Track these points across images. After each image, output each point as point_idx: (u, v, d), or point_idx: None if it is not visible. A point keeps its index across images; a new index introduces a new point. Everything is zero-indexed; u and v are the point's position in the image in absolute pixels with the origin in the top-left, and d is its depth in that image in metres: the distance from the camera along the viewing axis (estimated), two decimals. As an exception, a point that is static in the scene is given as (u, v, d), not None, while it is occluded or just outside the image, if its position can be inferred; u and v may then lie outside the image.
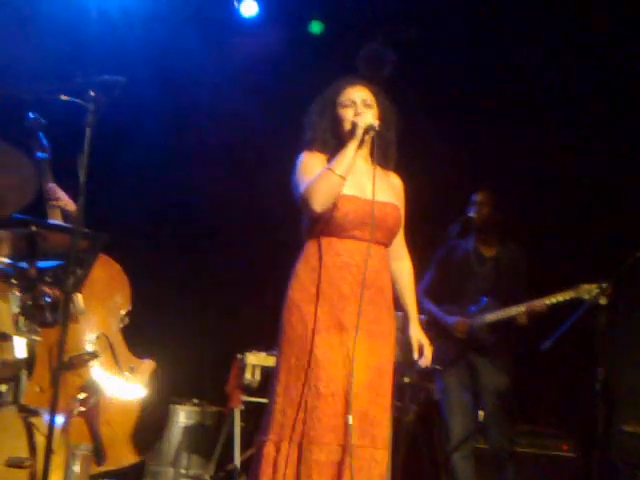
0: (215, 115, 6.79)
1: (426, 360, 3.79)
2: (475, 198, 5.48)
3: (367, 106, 3.68)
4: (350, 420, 3.37)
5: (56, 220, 4.82)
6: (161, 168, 6.84)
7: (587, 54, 6.24)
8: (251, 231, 6.74)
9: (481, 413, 5.45)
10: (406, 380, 5.39)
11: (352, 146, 3.56)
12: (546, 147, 6.39)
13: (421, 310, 5.36)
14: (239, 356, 5.94)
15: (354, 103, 3.69)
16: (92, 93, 3.34)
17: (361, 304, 3.48)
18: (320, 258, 3.57)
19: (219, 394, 6.17)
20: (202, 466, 6.54)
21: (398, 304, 3.84)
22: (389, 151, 3.76)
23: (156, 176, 6.81)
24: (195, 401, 6.72)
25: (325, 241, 3.59)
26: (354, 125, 3.60)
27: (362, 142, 3.60)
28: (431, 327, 5.44)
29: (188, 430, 6.60)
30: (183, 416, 6.59)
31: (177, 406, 6.59)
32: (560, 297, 5.09)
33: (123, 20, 6.41)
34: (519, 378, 5.44)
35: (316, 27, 7.01)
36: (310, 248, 3.63)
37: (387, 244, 3.70)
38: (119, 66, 3.93)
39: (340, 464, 3.39)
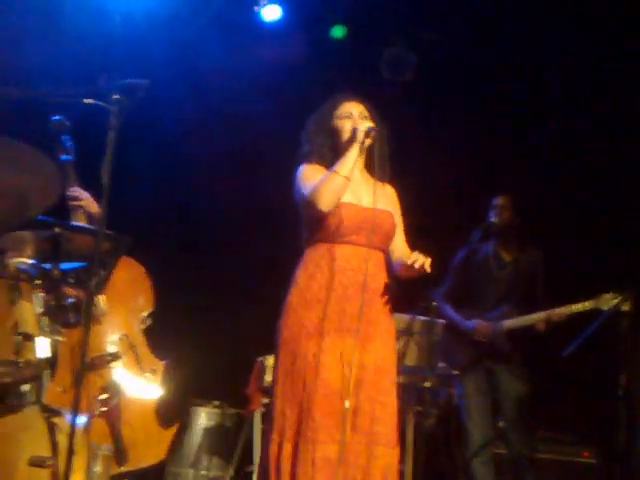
0: (236, 118, 6.80)
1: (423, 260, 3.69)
2: (496, 202, 5.47)
3: (364, 118, 3.81)
4: (347, 404, 3.50)
5: (80, 222, 4.86)
6: (183, 170, 6.87)
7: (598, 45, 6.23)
8: (274, 232, 6.74)
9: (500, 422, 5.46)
10: (426, 384, 5.37)
11: (354, 149, 3.70)
12: (567, 148, 6.38)
13: (440, 315, 5.38)
14: (259, 359, 5.95)
15: (352, 115, 3.83)
16: (116, 96, 3.36)
17: (362, 307, 3.59)
18: (318, 264, 3.71)
19: (239, 396, 6.18)
20: (222, 468, 6.56)
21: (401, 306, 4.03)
22: (382, 164, 3.86)
23: (178, 178, 6.84)
24: (216, 403, 6.74)
25: (323, 247, 3.73)
26: (355, 130, 3.73)
27: (363, 145, 3.72)
28: (450, 332, 5.46)
29: (208, 432, 6.61)
30: (204, 418, 6.61)
31: (198, 408, 6.62)
32: (580, 307, 5.07)
33: (146, 23, 6.44)
34: (540, 384, 5.42)
35: (338, 31, 7.02)
36: (308, 255, 3.78)
37: (384, 249, 3.83)
38: (142, 69, 3.96)
39: (337, 461, 3.48)
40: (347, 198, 3.71)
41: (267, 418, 3.77)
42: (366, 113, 3.85)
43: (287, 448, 3.55)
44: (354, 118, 3.81)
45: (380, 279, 3.77)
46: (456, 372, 5.37)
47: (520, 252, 5.46)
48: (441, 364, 5.84)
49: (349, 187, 3.69)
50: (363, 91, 3.99)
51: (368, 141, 3.72)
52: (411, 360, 5.57)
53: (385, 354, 3.74)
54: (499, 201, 5.46)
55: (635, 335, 4.63)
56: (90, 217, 4.90)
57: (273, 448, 3.59)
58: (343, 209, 3.69)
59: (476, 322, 5.30)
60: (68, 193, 4.81)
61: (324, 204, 3.62)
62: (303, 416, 3.55)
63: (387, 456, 3.63)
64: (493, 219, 5.41)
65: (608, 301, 4.90)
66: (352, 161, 3.67)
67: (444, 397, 6.14)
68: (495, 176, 6.43)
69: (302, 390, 3.58)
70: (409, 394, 5.90)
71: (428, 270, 3.68)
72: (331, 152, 3.82)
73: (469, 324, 5.33)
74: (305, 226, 3.82)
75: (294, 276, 3.78)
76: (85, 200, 4.86)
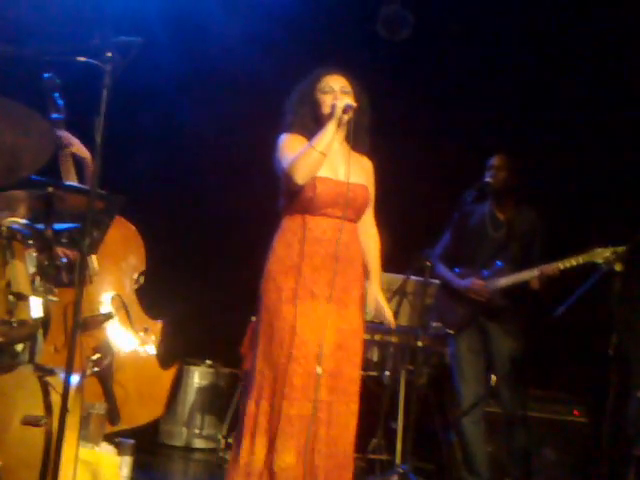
0: (232, 77, 6.76)
1: (388, 319, 4.10)
2: (491, 162, 5.43)
3: (345, 93, 3.92)
4: (319, 370, 3.71)
5: (71, 178, 4.84)
6: (176, 131, 6.82)
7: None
8: (272, 193, 6.71)
9: (493, 377, 5.47)
10: (419, 344, 5.39)
11: (332, 125, 3.83)
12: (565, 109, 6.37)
13: (435, 274, 5.39)
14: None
15: (333, 90, 3.94)
16: (109, 54, 3.33)
17: (334, 276, 3.80)
18: (295, 233, 3.89)
19: (233, 356, 6.20)
20: (215, 426, 6.61)
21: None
22: (363, 136, 4.02)
23: (171, 138, 6.80)
24: (209, 362, 6.77)
25: (300, 218, 3.90)
26: (333, 107, 3.85)
27: (341, 122, 3.85)
28: (444, 291, 5.46)
29: (202, 391, 6.66)
30: (197, 377, 6.66)
31: (191, 367, 6.65)
32: (574, 261, 5.05)
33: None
34: (532, 343, 5.44)
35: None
36: (286, 224, 3.94)
37: (356, 220, 4.00)
38: (136, 27, 3.92)
39: (310, 417, 3.70)
40: (324, 172, 3.85)
41: (246, 377, 4.05)
42: (348, 87, 3.95)
43: (264, 405, 3.77)
44: (335, 93, 3.91)
45: (353, 249, 3.95)
46: (450, 331, 5.38)
47: (516, 212, 5.44)
48: (435, 324, 5.86)
49: (327, 159, 3.83)
50: (354, 55, 4.00)
51: (346, 117, 3.84)
52: (404, 320, 5.60)
53: (359, 319, 3.95)
54: (494, 161, 5.42)
55: (627, 294, 4.63)
56: (82, 171, 4.89)
57: (251, 406, 3.80)
58: (319, 183, 3.84)
59: (471, 280, 5.30)
60: (57, 140, 4.76)
61: (300, 177, 3.78)
62: (280, 376, 3.74)
63: (357, 412, 3.89)
64: (488, 179, 5.38)
65: (602, 254, 4.89)
66: (329, 137, 3.81)
67: (436, 356, 6.17)
68: (480, 138, 6.40)
69: (280, 351, 3.77)
70: (402, 353, 5.93)
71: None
72: (313, 122, 3.94)
73: (464, 283, 5.32)
74: (283, 195, 3.97)
75: (272, 244, 3.96)
76: (75, 145, 4.85)
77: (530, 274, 5.14)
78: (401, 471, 5.25)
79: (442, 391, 6.26)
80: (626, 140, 6.15)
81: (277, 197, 4.01)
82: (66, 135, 4.86)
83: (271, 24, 6.62)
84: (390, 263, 4.18)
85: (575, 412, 5.92)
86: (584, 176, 6.24)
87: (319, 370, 3.70)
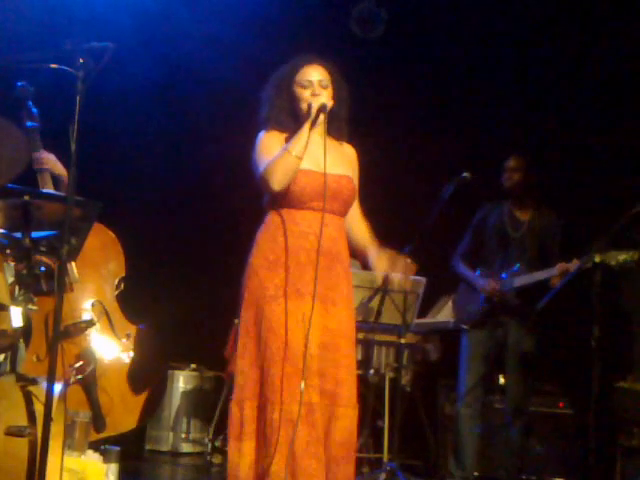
0: (205, 81, 6.75)
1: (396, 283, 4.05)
2: (507, 164, 5.44)
3: (323, 87, 3.83)
4: (302, 386, 3.55)
5: (47, 185, 4.83)
6: (151, 134, 6.81)
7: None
8: (250, 195, 6.69)
9: (501, 379, 5.52)
10: (403, 341, 5.40)
11: (306, 128, 3.75)
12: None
13: (456, 273, 5.42)
14: (237, 321, 5.92)
15: (311, 83, 3.84)
16: (81, 60, 3.31)
17: (317, 271, 3.67)
18: (279, 227, 3.78)
19: (217, 359, 6.20)
20: (202, 430, 6.60)
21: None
22: (341, 126, 3.94)
23: (146, 141, 6.79)
24: (193, 366, 6.76)
25: (284, 212, 3.79)
26: (309, 106, 3.77)
27: (315, 122, 3.77)
28: (464, 288, 5.49)
29: (187, 395, 6.65)
30: (182, 381, 6.65)
31: (176, 371, 6.64)
32: (590, 261, 5.01)
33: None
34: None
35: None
36: (270, 218, 3.83)
37: (343, 214, 3.88)
38: (107, 32, 3.91)
39: (296, 422, 3.54)
40: (306, 164, 3.76)
41: (230, 378, 3.87)
42: (327, 79, 3.86)
43: (248, 407, 3.64)
44: (313, 87, 3.83)
45: (340, 244, 3.84)
46: (465, 326, 5.39)
47: (536, 212, 5.44)
48: (418, 320, 5.87)
49: (308, 152, 3.75)
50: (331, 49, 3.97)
51: (321, 118, 3.77)
52: (387, 317, 5.59)
53: (347, 318, 3.81)
54: (510, 163, 5.43)
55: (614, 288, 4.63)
56: (57, 180, 4.87)
57: (234, 409, 3.68)
58: (303, 177, 3.75)
59: (486, 280, 5.32)
60: (33, 158, 4.76)
61: (275, 183, 3.70)
62: (264, 377, 3.63)
63: (347, 417, 3.72)
64: (504, 182, 5.41)
65: (616, 256, 4.87)
66: (304, 140, 3.73)
67: (420, 353, 6.18)
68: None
69: (264, 351, 3.65)
70: (386, 351, 5.94)
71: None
72: (289, 117, 3.87)
73: (480, 282, 5.35)
74: (265, 191, 3.87)
75: (256, 238, 3.85)
76: (50, 163, 4.83)
77: (549, 273, 5.15)
78: (389, 468, 5.26)
79: (427, 388, 6.28)
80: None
81: (260, 197, 3.92)
82: (40, 157, 4.83)
83: (243, 26, 6.61)
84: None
85: (560, 404, 5.94)
86: (587, 175, 6.26)
87: (302, 386, 3.54)
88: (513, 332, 5.31)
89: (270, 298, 3.69)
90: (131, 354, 4.97)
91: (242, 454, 3.63)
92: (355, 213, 4.00)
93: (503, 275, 5.32)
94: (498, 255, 5.42)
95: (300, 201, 3.76)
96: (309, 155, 3.76)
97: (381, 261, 3.91)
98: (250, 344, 3.71)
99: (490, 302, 5.33)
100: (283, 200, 3.78)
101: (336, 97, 3.84)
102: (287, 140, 3.83)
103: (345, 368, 3.74)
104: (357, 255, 4.03)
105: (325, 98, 3.79)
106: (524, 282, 5.24)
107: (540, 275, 5.20)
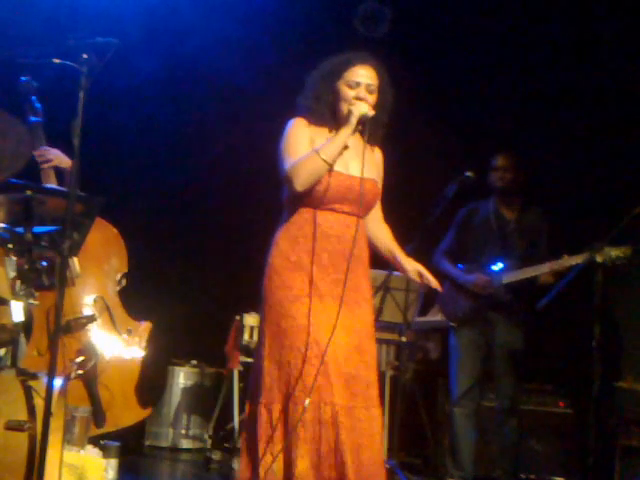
0: (210, 78, 6.74)
1: (432, 281, 3.88)
2: (495, 163, 5.40)
3: (369, 92, 3.75)
4: (307, 403, 3.49)
5: (50, 180, 4.83)
6: (156, 131, 6.81)
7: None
8: (252, 191, 6.71)
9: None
10: (403, 339, 5.39)
11: (344, 134, 3.67)
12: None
13: (439, 270, 5.40)
14: (237, 317, 5.96)
15: (358, 85, 3.74)
16: (85, 56, 3.31)
17: (346, 274, 3.62)
18: (301, 228, 3.71)
19: (218, 355, 6.20)
20: (201, 426, 6.60)
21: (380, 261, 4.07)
22: (378, 131, 3.86)
23: (150, 138, 6.79)
24: (194, 362, 6.77)
25: (307, 212, 3.72)
26: (349, 113, 3.68)
27: (354, 130, 3.69)
28: (448, 285, 5.47)
29: (187, 391, 6.65)
30: (182, 377, 6.65)
31: (176, 367, 6.65)
32: (580, 258, 4.99)
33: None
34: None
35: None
36: (291, 217, 3.75)
37: (364, 216, 3.83)
38: (111, 28, 3.91)
39: (327, 423, 3.51)
40: (335, 166, 3.69)
41: (251, 382, 3.76)
42: (374, 84, 3.76)
43: (276, 409, 3.57)
44: (359, 89, 3.72)
45: (362, 246, 3.80)
46: (452, 324, 5.37)
47: (523, 211, 5.42)
48: (418, 318, 5.87)
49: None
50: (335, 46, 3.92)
51: (360, 128, 3.69)
52: (388, 316, 5.59)
53: (369, 319, 3.77)
54: (500, 161, 5.39)
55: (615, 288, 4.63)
56: (62, 175, 4.88)
57: (262, 412, 3.59)
58: (331, 177, 3.67)
59: (476, 275, 5.29)
60: (37, 154, 4.77)
61: (299, 184, 3.62)
62: (291, 378, 3.56)
63: (380, 417, 3.69)
64: (495, 182, 5.36)
65: (607, 253, 4.84)
66: (339, 148, 3.65)
67: (421, 352, 6.19)
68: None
69: (290, 353, 3.58)
70: (386, 349, 5.94)
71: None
72: (328, 111, 3.78)
73: (469, 278, 5.32)
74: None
75: (275, 238, 3.77)
76: (56, 158, 4.83)
77: (539, 270, 5.13)
78: (388, 466, 5.25)
79: (427, 386, 6.28)
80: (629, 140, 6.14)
81: (279, 187, 3.81)
82: (43, 152, 4.83)
83: (248, 23, 6.61)
84: (373, 259, 4.13)
85: (560, 403, 5.94)
86: (580, 174, 6.26)
87: (307, 402, 3.48)
88: (502, 329, 5.28)
89: (294, 297, 3.64)
90: (132, 349, 4.97)
91: (275, 458, 3.53)
92: (377, 216, 3.97)
93: (490, 269, 5.29)
94: (484, 253, 5.39)
95: (324, 202, 3.69)
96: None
97: (411, 264, 3.88)
98: (276, 346, 3.63)
99: (478, 298, 5.31)
100: (306, 199, 3.70)
101: (380, 103, 3.76)
102: (318, 133, 3.76)
103: (372, 369, 3.70)
104: (380, 257, 4.01)
105: (367, 107, 3.69)
106: (514, 278, 5.22)
107: (529, 272, 5.18)
